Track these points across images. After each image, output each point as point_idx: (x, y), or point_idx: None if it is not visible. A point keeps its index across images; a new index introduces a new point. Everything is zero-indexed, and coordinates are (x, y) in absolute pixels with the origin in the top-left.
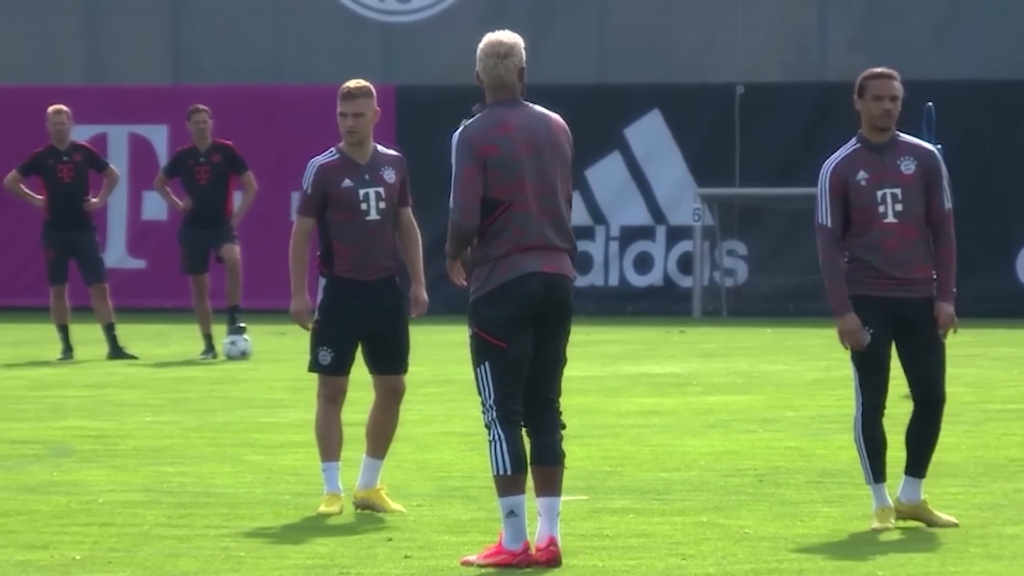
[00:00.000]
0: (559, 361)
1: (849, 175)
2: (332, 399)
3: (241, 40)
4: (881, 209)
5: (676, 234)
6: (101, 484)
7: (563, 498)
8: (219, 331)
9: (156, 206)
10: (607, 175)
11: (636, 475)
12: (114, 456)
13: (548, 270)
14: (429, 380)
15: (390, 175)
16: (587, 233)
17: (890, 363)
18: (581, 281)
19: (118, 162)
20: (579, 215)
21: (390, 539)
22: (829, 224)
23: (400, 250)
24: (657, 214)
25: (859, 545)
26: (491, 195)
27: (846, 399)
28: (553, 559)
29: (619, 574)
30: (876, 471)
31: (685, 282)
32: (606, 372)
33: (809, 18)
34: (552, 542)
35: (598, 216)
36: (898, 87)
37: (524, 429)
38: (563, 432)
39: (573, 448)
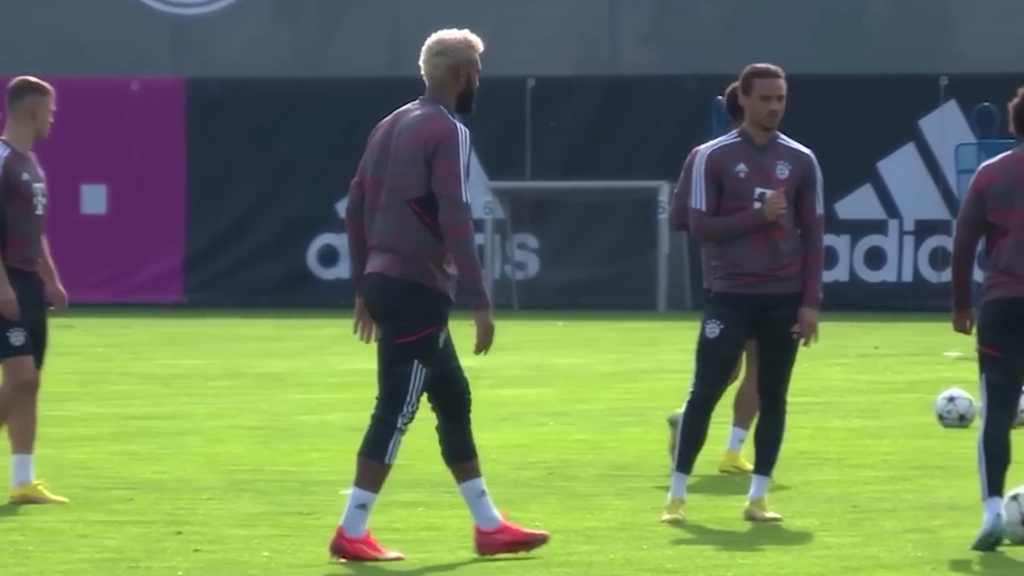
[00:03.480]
0: (386, 352)
1: (726, 164)
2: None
3: (30, 32)
4: (757, 206)
5: None
6: None
7: (350, 492)
8: None
9: None
10: None
11: (427, 468)
12: None
13: (373, 270)
14: (219, 374)
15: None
16: None
17: (735, 362)
18: None
19: None
20: None
21: (180, 532)
22: (703, 208)
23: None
24: None
25: (649, 537)
26: (362, 183)
27: (637, 392)
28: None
29: (410, 567)
30: (684, 461)
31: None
32: None
33: (600, 12)
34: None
35: None
36: (784, 86)
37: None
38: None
39: None
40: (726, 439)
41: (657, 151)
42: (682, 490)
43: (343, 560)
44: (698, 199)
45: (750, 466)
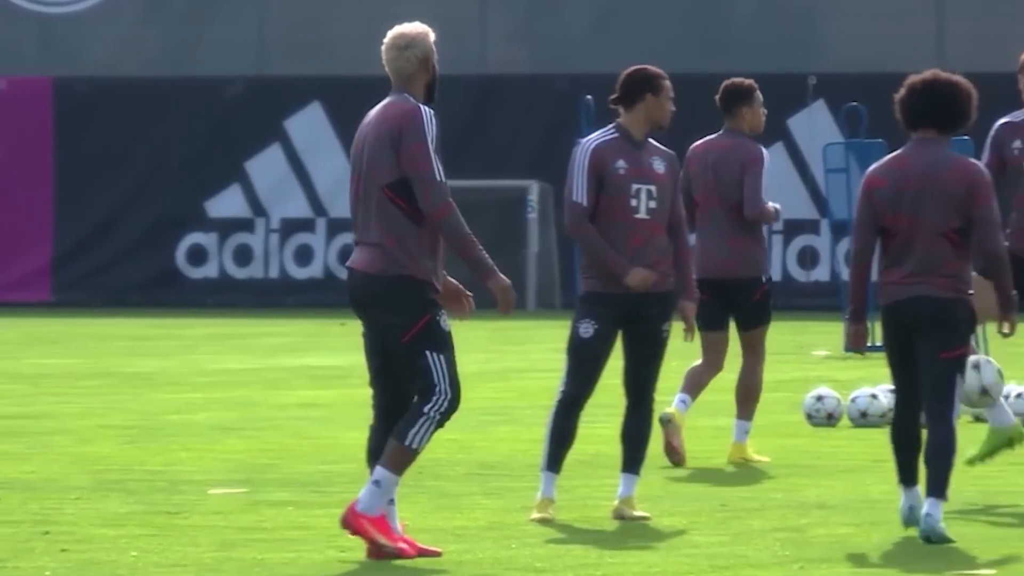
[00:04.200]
0: (398, 357)
1: (608, 159)
2: None
3: None
4: (634, 203)
5: (337, 227)
6: None
7: (218, 491)
8: None
9: None
10: (267, 168)
11: (296, 468)
12: None
13: (354, 266)
14: (87, 373)
15: None
16: (247, 226)
17: (606, 361)
18: (240, 274)
19: None
20: (239, 207)
21: (47, 532)
22: (584, 203)
23: None
24: (318, 207)
25: (518, 536)
26: None
27: (505, 391)
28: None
29: (277, 567)
30: (553, 460)
31: (345, 274)
32: (266, 364)
33: (469, 11)
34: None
35: (258, 209)
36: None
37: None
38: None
39: (233, 441)
40: (731, 431)
41: (527, 151)
42: (552, 489)
43: (350, 534)
44: (579, 193)
45: (758, 457)
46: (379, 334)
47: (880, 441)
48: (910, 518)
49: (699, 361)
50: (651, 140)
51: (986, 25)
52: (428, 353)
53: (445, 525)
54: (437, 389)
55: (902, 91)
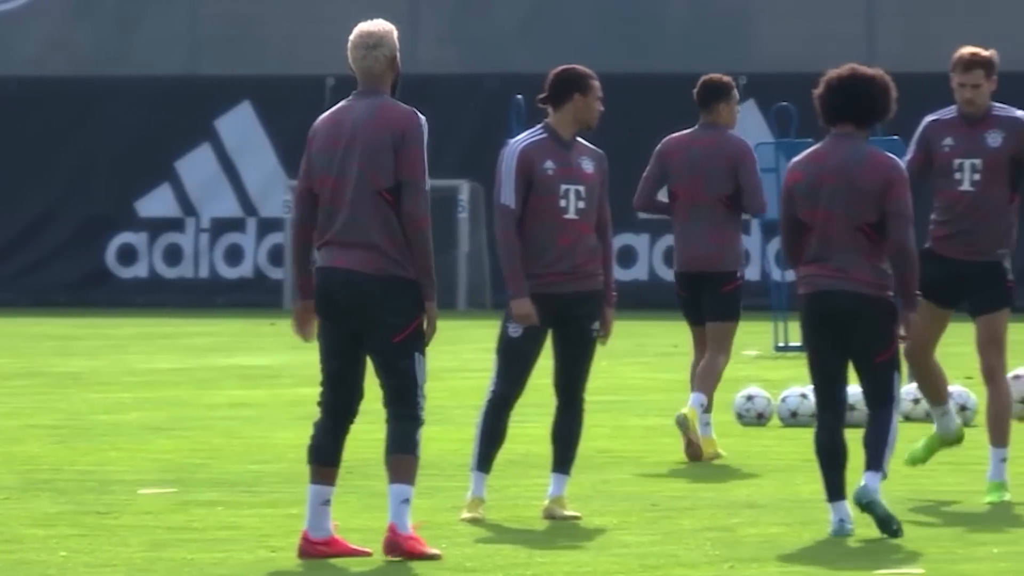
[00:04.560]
0: (384, 354)
1: (537, 160)
2: None
3: None
4: (563, 203)
5: (267, 226)
6: None
7: (148, 491)
8: None
9: None
10: (197, 167)
11: (226, 467)
12: None
13: (341, 265)
14: (16, 373)
15: None
16: (177, 225)
17: (535, 361)
18: (170, 273)
19: None
20: (169, 207)
21: None
22: (512, 206)
23: None
24: (248, 206)
25: (449, 536)
26: (312, 188)
27: (436, 391)
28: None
29: (207, 567)
30: (483, 459)
31: (276, 274)
32: (196, 364)
33: (399, 11)
34: (390, 529)
35: (188, 208)
36: None
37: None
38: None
39: (163, 441)
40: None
41: (457, 150)
42: (482, 489)
43: (396, 558)
44: (507, 195)
45: (722, 452)
46: (349, 335)
47: (810, 440)
48: (840, 530)
49: (694, 358)
50: (580, 140)
51: (916, 25)
52: (416, 355)
53: (375, 525)
54: (420, 391)
55: (820, 87)
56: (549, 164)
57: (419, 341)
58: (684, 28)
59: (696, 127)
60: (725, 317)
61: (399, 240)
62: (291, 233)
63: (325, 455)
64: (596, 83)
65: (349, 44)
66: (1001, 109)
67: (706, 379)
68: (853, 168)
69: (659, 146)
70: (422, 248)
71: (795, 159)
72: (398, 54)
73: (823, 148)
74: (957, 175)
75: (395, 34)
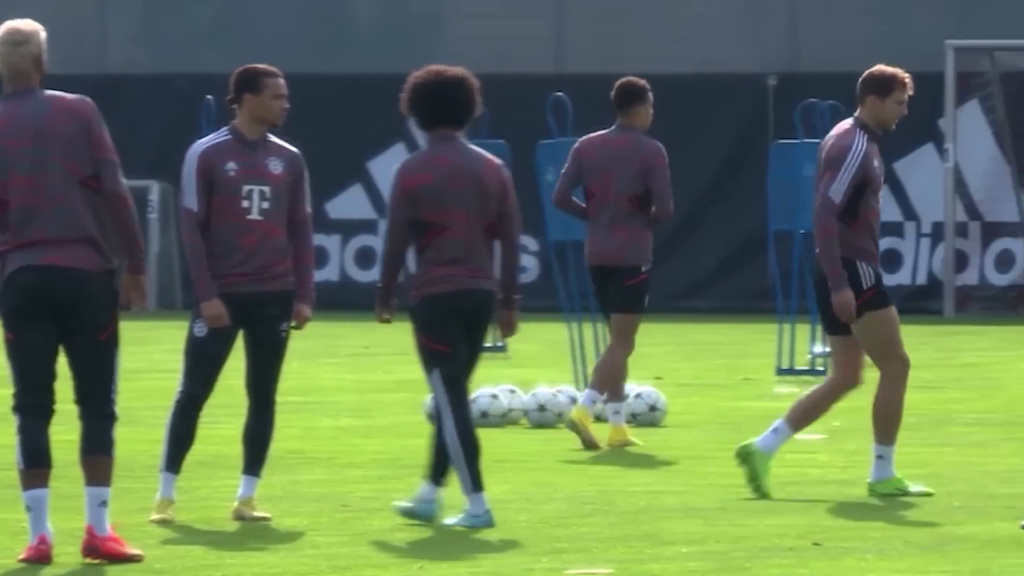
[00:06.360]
0: (90, 352)
1: (217, 162)
2: None
3: None
4: (245, 204)
5: None
6: None
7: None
8: None
9: None
10: None
11: None
12: None
13: (53, 262)
14: None
15: None
16: None
17: (224, 361)
18: None
19: None
20: None
21: None
22: (195, 208)
23: None
24: None
25: (138, 537)
26: None
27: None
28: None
29: (8, 567)
30: (172, 460)
31: None
32: None
33: (87, 10)
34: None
35: None
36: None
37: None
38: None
39: None
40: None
41: (148, 150)
42: (171, 490)
43: (95, 560)
44: (189, 198)
45: (636, 440)
46: (55, 333)
47: (500, 440)
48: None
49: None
50: (273, 139)
51: (605, 28)
52: (116, 351)
53: (65, 527)
54: (116, 387)
55: (409, 92)
56: (231, 165)
57: (117, 336)
58: (377, 29)
59: (613, 128)
60: (627, 309)
61: (107, 230)
62: None
63: (46, 457)
64: (273, 80)
65: None
66: None
67: (605, 372)
68: (478, 169)
69: (576, 144)
70: (132, 223)
71: (410, 162)
72: (44, 55)
73: (440, 151)
74: None
75: (43, 35)
